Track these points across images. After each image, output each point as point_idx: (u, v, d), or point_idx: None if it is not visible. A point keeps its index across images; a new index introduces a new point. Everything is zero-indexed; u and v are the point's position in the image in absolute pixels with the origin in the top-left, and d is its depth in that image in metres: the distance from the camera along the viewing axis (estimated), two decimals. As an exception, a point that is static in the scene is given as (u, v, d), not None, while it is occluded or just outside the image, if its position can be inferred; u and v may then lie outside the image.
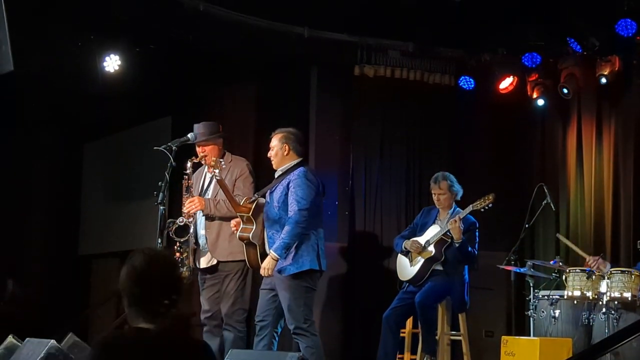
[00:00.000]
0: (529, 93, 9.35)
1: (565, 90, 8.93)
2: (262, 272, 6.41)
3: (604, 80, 8.52)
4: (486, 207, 7.40)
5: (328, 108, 9.46)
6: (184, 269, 6.80)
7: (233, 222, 6.65)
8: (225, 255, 6.83)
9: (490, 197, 7.38)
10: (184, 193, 6.81)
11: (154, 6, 8.15)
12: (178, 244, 6.73)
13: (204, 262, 6.93)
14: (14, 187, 11.81)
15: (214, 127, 6.95)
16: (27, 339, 5.45)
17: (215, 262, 6.88)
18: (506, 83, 9.41)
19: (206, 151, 6.90)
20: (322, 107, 9.42)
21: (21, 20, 6.81)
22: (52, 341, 4.91)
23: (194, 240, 6.82)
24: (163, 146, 6.29)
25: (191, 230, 6.75)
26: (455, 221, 7.33)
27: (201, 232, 6.93)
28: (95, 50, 8.75)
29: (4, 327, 6.72)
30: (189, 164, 6.75)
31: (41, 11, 7.99)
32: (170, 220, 6.52)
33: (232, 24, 8.65)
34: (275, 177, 6.64)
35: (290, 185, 6.42)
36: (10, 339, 6.10)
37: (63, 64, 8.85)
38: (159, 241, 5.98)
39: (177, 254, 6.75)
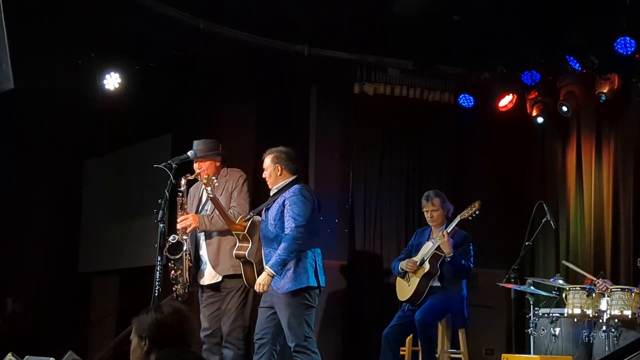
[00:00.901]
0: (528, 111, 9.36)
1: (564, 108, 8.94)
2: (257, 287, 6.39)
3: (603, 98, 8.54)
4: (473, 215, 7.41)
5: (328, 126, 9.48)
6: (179, 286, 6.77)
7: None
8: (227, 269, 6.81)
9: (476, 205, 7.39)
10: (178, 210, 6.79)
11: (154, 24, 8.17)
12: (172, 261, 6.70)
13: (207, 279, 6.90)
14: (14, 204, 11.80)
15: (213, 145, 6.96)
16: (27, 356, 5.44)
17: (219, 278, 6.85)
18: (506, 101, 9.43)
19: (203, 167, 6.89)
20: (321, 124, 9.44)
21: (22, 38, 6.82)
22: (52, 359, 4.89)
23: (189, 258, 6.79)
24: (163, 164, 6.29)
25: (185, 248, 6.72)
26: (444, 235, 7.34)
27: (201, 252, 6.91)
28: (96, 68, 8.77)
29: (3, 345, 6.71)
30: (183, 181, 6.73)
31: (42, 29, 8.01)
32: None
33: (232, 42, 8.67)
34: (271, 195, 6.64)
35: (285, 202, 6.42)
36: (9, 356, 6.08)
37: (63, 82, 8.87)
38: (159, 259, 5.96)
39: (172, 272, 6.73)
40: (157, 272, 5.75)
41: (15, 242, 11.82)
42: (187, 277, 6.79)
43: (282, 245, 6.30)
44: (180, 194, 6.74)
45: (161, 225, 5.96)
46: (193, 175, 6.81)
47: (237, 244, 6.58)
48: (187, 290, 6.82)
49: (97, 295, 12.44)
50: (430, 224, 7.72)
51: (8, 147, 10.97)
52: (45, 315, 11.45)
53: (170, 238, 6.65)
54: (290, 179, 6.59)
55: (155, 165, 6.28)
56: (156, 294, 5.67)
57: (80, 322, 11.92)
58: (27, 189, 11.97)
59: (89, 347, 11.71)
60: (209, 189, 6.44)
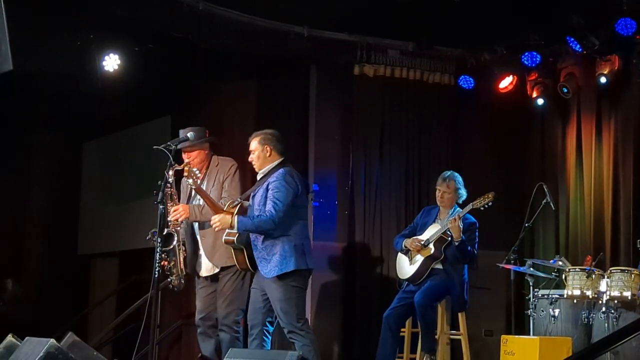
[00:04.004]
0: (528, 92, 9.35)
1: (564, 90, 8.93)
2: (212, 223, 6.39)
3: (603, 79, 8.53)
4: (486, 206, 7.39)
5: (327, 107, 9.46)
6: (173, 277, 6.76)
7: (214, 218, 6.51)
8: (224, 260, 6.78)
9: (490, 196, 7.37)
10: (168, 202, 6.72)
11: (153, 5, 8.14)
12: (164, 253, 6.65)
13: (205, 271, 6.89)
14: (13, 186, 11.82)
15: (199, 133, 6.85)
16: (27, 338, 5.45)
17: (217, 270, 6.84)
18: (506, 82, 9.41)
19: (192, 157, 6.83)
20: (321, 106, 9.42)
21: (20, 19, 6.80)
22: (52, 340, 4.90)
23: (184, 249, 6.77)
24: (162, 145, 6.26)
25: (176, 239, 6.68)
26: (455, 220, 7.34)
27: (198, 243, 6.91)
28: (95, 49, 8.74)
29: (3, 326, 6.72)
30: (170, 172, 6.68)
31: (41, 10, 7.98)
32: (154, 230, 6.41)
33: (232, 23, 8.64)
34: (258, 179, 6.62)
35: (269, 186, 6.41)
36: (9, 338, 6.09)
37: (62, 63, 8.85)
38: (159, 240, 5.95)
39: (165, 262, 6.70)
40: (157, 254, 5.75)
41: (14, 224, 11.85)
42: (182, 267, 6.77)
43: (259, 219, 6.28)
44: (169, 185, 6.68)
45: (161, 206, 5.95)
46: (181, 166, 6.75)
47: (227, 230, 6.53)
48: (182, 281, 6.80)
49: (96, 277, 12.47)
50: (438, 203, 7.71)
51: (7, 129, 10.97)
52: (45, 297, 11.49)
53: None
54: (276, 162, 6.54)
55: (154, 147, 6.26)
56: (156, 276, 5.67)
57: (80, 304, 11.95)
58: (26, 171, 11.98)
59: (89, 329, 11.75)
60: (190, 180, 6.40)
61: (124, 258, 11.82)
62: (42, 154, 12.08)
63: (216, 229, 6.39)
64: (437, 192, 7.69)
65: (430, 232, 7.60)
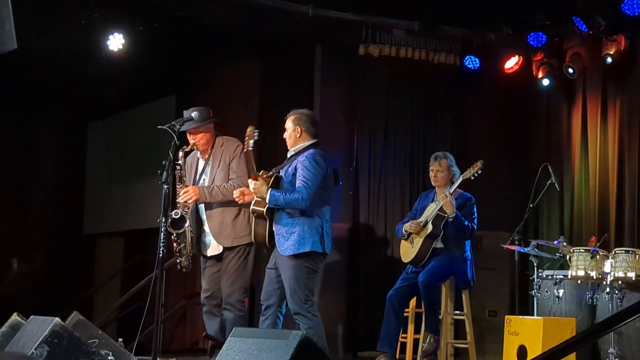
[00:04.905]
0: (534, 73, 9.32)
1: (570, 70, 8.90)
2: (251, 186, 6.39)
3: (609, 59, 8.49)
4: (476, 174, 7.41)
5: (332, 87, 9.43)
6: (183, 258, 6.78)
7: (237, 191, 6.59)
8: (230, 241, 6.79)
9: (479, 164, 7.39)
10: (177, 184, 6.74)
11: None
12: (175, 235, 6.68)
13: (210, 251, 6.90)
14: (19, 166, 11.83)
15: (204, 113, 6.83)
16: (32, 316, 5.45)
17: (221, 249, 6.86)
18: (511, 63, 9.39)
19: (197, 139, 6.83)
20: (326, 86, 9.39)
21: (25, -2, 6.79)
22: (57, 319, 4.90)
23: (190, 229, 6.78)
24: (167, 125, 6.24)
25: (186, 223, 6.70)
26: (446, 196, 7.36)
27: (204, 224, 6.93)
28: (99, 28, 8.72)
29: (8, 305, 6.74)
30: (180, 154, 6.66)
31: (45, -11, 7.97)
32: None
33: (237, 3, 8.61)
34: (288, 157, 6.61)
35: (298, 166, 6.40)
36: (14, 316, 6.10)
37: (67, 43, 8.83)
38: (163, 220, 5.96)
39: (175, 244, 6.73)
40: (162, 234, 5.76)
41: (20, 204, 11.87)
42: (190, 249, 6.80)
43: (290, 195, 6.28)
44: (179, 167, 6.68)
45: (165, 186, 5.95)
46: (189, 147, 6.75)
47: (255, 199, 6.50)
48: (190, 261, 6.84)
49: (101, 256, 12.50)
50: (433, 184, 7.74)
51: (12, 108, 10.97)
52: (50, 276, 11.52)
53: (173, 213, 6.61)
54: (308, 143, 6.53)
55: (159, 127, 6.25)
56: (160, 255, 5.67)
57: (85, 284, 11.99)
58: (31, 151, 12.00)
59: (94, 308, 11.80)
60: (251, 142, 6.38)
61: (129, 237, 11.85)
62: (47, 133, 12.09)
63: (253, 191, 6.38)
64: (431, 172, 7.71)
65: (428, 212, 7.62)
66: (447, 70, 9.62)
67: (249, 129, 6.44)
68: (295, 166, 6.41)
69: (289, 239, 6.34)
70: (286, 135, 6.60)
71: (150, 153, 9.57)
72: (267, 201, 6.30)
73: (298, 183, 6.32)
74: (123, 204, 11.67)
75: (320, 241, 6.38)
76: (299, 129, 6.53)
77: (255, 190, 6.37)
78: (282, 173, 6.54)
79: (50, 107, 11.77)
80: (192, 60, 9.91)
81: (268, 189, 6.32)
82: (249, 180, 6.44)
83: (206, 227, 6.88)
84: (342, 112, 9.43)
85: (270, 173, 6.52)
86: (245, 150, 6.49)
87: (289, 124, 6.60)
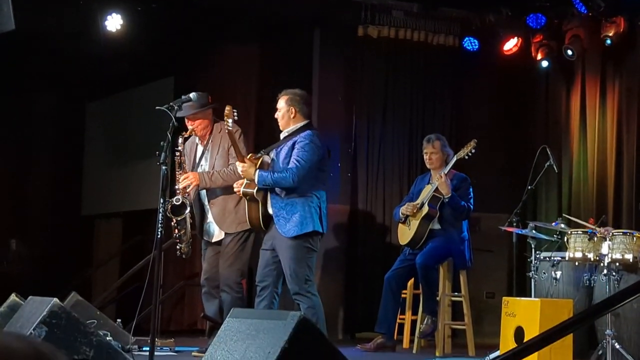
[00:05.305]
0: (533, 54, 9.30)
1: (569, 52, 8.88)
2: (239, 169, 6.36)
3: (609, 41, 8.47)
4: (470, 154, 7.46)
5: (331, 69, 9.41)
6: (183, 245, 6.80)
7: (237, 184, 6.59)
8: (234, 227, 6.81)
9: (472, 143, 7.44)
10: (177, 170, 6.74)
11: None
12: (175, 221, 6.69)
13: (214, 238, 6.93)
14: (17, 147, 11.81)
15: (202, 100, 6.84)
16: (30, 297, 5.46)
17: (224, 235, 6.88)
18: (510, 44, 9.37)
19: (195, 124, 6.82)
20: (325, 67, 9.37)
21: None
22: (55, 299, 4.91)
23: (190, 215, 6.79)
24: (165, 106, 6.23)
25: (187, 210, 6.70)
26: (441, 176, 7.39)
27: (206, 210, 6.93)
28: (97, 9, 8.69)
29: (7, 286, 6.75)
30: (180, 140, 6.66)
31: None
32: (167, 199, 6.41)
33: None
34: (281, 138, 6.60)
35: (295, 145, 6.38)
36: (13, 297, 6.12)
37: (64, 23, 8.80)
38: (162, 201, 5.95)
39: (175, 230, 6.74)
40: (160, 215, 5.76)
41: (18, 184, 11.86)
42: (190, 235, 6.82)
43: (280, 174, 6.28)
44: (179, 153, 6.67)
45: (163, 167, 5.94)
46: (188, 133, 6.73)
47: (245, 182, 6.52)
48: (190, 247, 6.86)
49: (100, 237, 12.51)
50: (428, 166, 7.76)
51: (9, 89, 10.94)
52: (48, 257, 11.53)
53: (174, 200, 6.62)
54: (302, 123, 6.51)
55: (157, 108, 6.23)
56: (159, 236, 5.68)
57: (83, 264, 12.00)
58: (29, 132, 11.97)
59: (93, 289, 11.81)
60: (230, 121, 6.34)
61: (128, 219, 11.85)
62: (45, 114, 12.06)
63: (242, 174, 6.38)
64: (425, 155, 7.73)
65: (424, 194, 7.64)
66: (446, 52, 9.60)
67: (227, 109, 6.37)
68: (292, 147, 6.40)
69: (290, 220, 6.33)
70: (278, 115, 6.56)
71: (149, 134, 9.57)
72: (256, 182, 6.30)
73: (290, 162, 6.32)
74: (121, 185, 11.67)
75: (319, 221, 6.40)
76: (293, 110, 6.50)
77: (244, 172, 6.36)
78: (273, 154, 6.53)
79: (48, 88, 11.74)
80: (191, 41, 9.88)
81: (256, 170, 6.32)
82: (237, 163, 6.43)
83: (209, 214, 6.90)
84: (340, 93, 9.41)
85: (258, 155, 6.53)
86: (229, 129, 6.44)
87: (281, 104, 6.55)
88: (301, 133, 6.43)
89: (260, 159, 6.48)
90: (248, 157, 6.49)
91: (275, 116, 6.60)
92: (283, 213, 6.35)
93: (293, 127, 6.50)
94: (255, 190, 6.39)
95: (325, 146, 6.54)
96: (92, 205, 12.39)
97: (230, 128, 6.36)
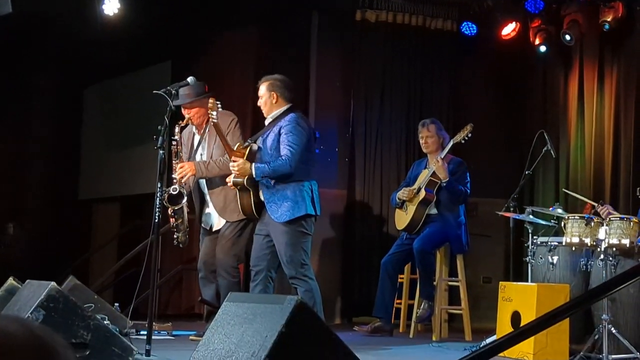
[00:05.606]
0: (531, 39, 9.30)
1: (567, 37, 8.87)
2: (231, 168, 6.39)
3: (607, 26, 8.46)
4: (466, 138, 7.49)
5: (329, 53, 9.40)
6: (180, 234, 6.80)
7: (228, 179, 6.59)
8: (236, 215, 6.81)
9: (468, 127, 7.47)
10: (173, 159, 6.73)
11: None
12: (172, 210, 6.69)
13: (215, 226, 6.95)
14: (14, 131, 11.79)
15: (199, 89, 6.83)
16: (28, 281, 5.47)
17: (222, 223, 6.89)
18: (508, 29, 9.36)
19: (191, 113, 6.82)
20: (323, 52, 9.36)
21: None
22: (53, 283, 4.91)
23: (187, 205, 6.79)
24: (163, 90, 6.22)
25: (184, 199, 6.70)
26: (438, 161, 7.40)
27: (207, 199, 6.93)
28: (94, -7, 8.66)
29: (4, 270, 6.76)
30: (177, 129, 6.65)
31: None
32: (166, 188, 6.41)
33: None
34: (266, 124, 6.60)
35: (282, 131, 6.39)
36: (10, 281, 6.13)
37: (62, 7, 8.77)
38: (159, 185, 5.95)
39: (172, 220, 6.74)
40: (157, 199, 5.76)
41: (16, 169, 11.85)
42: (187, 225, 6.82)
43: (273, 163, 6.29)
44: (175, 142, 6.67)
45: (161, 151, 5.94)
46: (184, 122, 6.73)
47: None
48: (187, 237, 6.86)
49: (97, 222, 12.50)
50: (424, 150, 7.78)
51: (7, 72, 10.92)
52: (46, 241, 11.53)
53: (171, 189, 6.62)
54: (285, 107, 6.53)
55: (154, 92, 6.22)
56: (156, 220, 5.68)
57: (81, 249, 12.00)
58: (27, 116, 11.95)
59: (90, 273, 11.81)
60: (214, 113, 6.34)
61: (125, 203, 11.85)
62: (42, 98, 12.03)
63: (235, 174, 6.38)
64: (421, 140, 7.76)
65: (420, 179, 7.65)
66: (444, 37, 9.59)
67: (210, 101, 6.37)
68: (278, 132, 6.40)
69: (282, 206, 6.35)
70: (261, 102, 6.59)
71: (147, 118, 9.55)
72: (254, 176, 6.29)
73: (283, 148, 6.32)
74: (119, 169, 11.65)
75: (312, 203, 6.41)
76: (275, 95, 6.52)
77: (239, 170, 6.35)
78: (260, 142, 6.54)
79: (46, 72, 11.70)
80: (188, 25, 9.85)
81: (250, 165, 6.32)
82: (230, 165, 6.42)
83: (209, 203, 6.91)
84: (338, 78, 9.41)
85: (246, 144, 6.53)
86: (215, 121, 6.45)
87: (262, 91, 6.57)
88: (285, 117, 6.44)
89: (248, 148, 6.50)
90: (236, 147, 6.51)
91: (258, 104, 6.62)
92: (274, 199, 6.37)
93: (276, 112, 6.51)
94: (245, 180, 6.41)
95: (310, 127, 6.55)
96: (90, 190, 12.38)
97: (215, 120, 6.38)
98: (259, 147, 6.53)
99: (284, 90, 6.55)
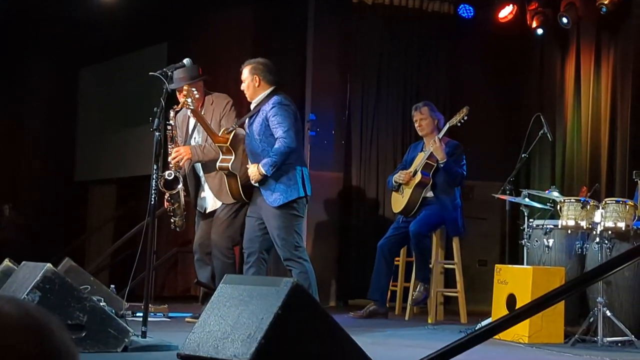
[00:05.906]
0: (528, 22, 9.27)
1: (564, 20, 8.85)
2: (251, 177, 6.39)
3: (604, 9, 8.43)
4: (462, 121, 7.51)
5: (325, 36, 9.37)
6: (177, 218, 6.80)
7: (252, 172, 6.51)
8: (231, 199, 6.82)
9: (464, 110, 7.49)
10: (169, 144, 6.71)
11: None
12: (168, 195, 6.68)
13: (210, 207, 6.95)
14: (10, 113, 11.77)
15: (193, 71, 6.81)
16: (23, 262, 5.47)
17: (218, 205, 6.89)
18: (506, 12, 9.34)
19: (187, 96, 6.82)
20: (319, 35, 9.33)
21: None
22: (48, 265, 4.92)
23: (184, 189, 6.78)
24: (158, 72, 6.19)
25: (179, 184, 6.69)
26: (435, 142, 7.41)
27: (203, 184, 6.93)
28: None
29: (0, 252, 6.76)
30: (172, 114, 6.64)
31: None
32: (163, 172, 6.40)
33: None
34: (251, 108, 6.60)
35: (268, 115, 6.39)
36: (6, 262, 6.13)
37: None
38: (155, 167, 5.94)
39: (168, 204, 6.74)
40: (153, 181, 5.75)
41: (12, 151, 11.83)
42: (184, 209, 6.82)
43: (275, 152, 6.29)
44: (170, 127, 6.65)
45: (157, 133, 5.92)
46: (179, 106, 6.73)
47: (221, 157, 6.54)
48: (184, 221, 6.86)
49: (94, 203, 12.50)
50: (420, 133, 7.79)
51: (2, 54, 10.89)
52: (42, 223, 11.53)
53: (166, 174, 6.61)
54: (268, 91, 6.52)
55: (150, 73, 6.20)
56: (152, 202, 5.68)
57: (77, 230, 12.01)
58: (23, 98, 11.93)
59: (86, 255, 11.83)
60: (189, 100, 6.33)
61: (122, 185, 11.85)
62: (38, 80, 12.01)
63: (253, 179, 6.39)
64: (415, 123, 7.78)
65: (417, 162, 7.66)
66: (441, 19, 9.57)
67: (184, 88, 6.36)
68: (265, 117, 6.40)
69: (275, 190, 6.36)
70: (244, 86, 6.58)
71: (142, 100, 9.54)
72: (265, 173, 6.29)
73: (276, 131, 6.32)
74: (115, 151, 11.65)
75: (302, 185, 6.42)
76: (257, 78, 6.51)
77: (254, 177, 6.36)
78: (247, 126, 6.54)
79: (41, 53, 11.68)
80: (184, 7, 9.82)
81: (258, 166, 6.32)
82: (249, 170, 6.40)
83: (205, 186, 6.91)
84: (335, 61, 9.39)
85: (230, 129, 6.54)
86: (191, 108, 6.43)
87: (245, 75, 6.56)
88: (269, 100, 6.44)
89: (233, 132, 6.50)
90: (221, 132, 6.51)
91: (242, 88, 6.61)
92: (268, 184, 6.38)
93: (261, 95, 6.52)
94: (230, 164, 6.42)
95: (294, 107, 6.56)
96: (86, 171, 12.37)
97: (192, 107, 6.39)
98: (245, 132, 6.53)
99: (267, 74, 6.54)
